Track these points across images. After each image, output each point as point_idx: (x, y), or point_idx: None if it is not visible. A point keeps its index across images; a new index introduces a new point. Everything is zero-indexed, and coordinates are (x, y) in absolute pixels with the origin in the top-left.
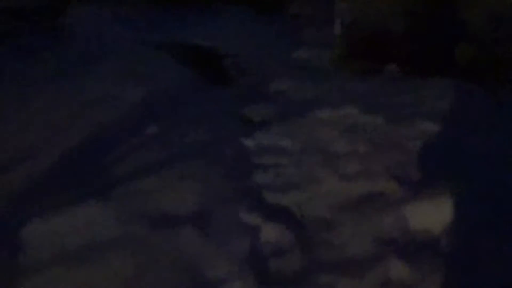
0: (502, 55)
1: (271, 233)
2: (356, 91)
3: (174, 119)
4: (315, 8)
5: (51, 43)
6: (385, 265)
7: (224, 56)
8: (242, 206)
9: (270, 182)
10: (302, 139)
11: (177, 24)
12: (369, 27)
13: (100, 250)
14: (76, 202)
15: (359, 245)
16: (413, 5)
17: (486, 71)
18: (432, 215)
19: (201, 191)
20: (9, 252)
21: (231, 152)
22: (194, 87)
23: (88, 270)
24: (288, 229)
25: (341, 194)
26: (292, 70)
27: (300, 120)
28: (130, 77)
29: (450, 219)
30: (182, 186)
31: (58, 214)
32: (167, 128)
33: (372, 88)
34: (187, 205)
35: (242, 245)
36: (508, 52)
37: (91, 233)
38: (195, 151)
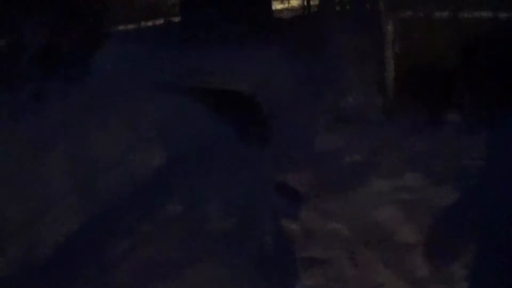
0: None
1: None
2: (416, 150)
3: (197, 191)
4: (363, 43)
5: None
6: None
7: (256, 103)
8: None
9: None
10: (356, 221)
11: (206, 64)
12: (427, 69)
13: None
14: None
15: None
16: (477, 44)
17: None
18: None
19: None
20: None
21: (268, 240)
22: (222, 144)
23: None
24: None
25: None
26: (338, 123)
27: (352, 194)
28: (149, 133)
29: None
30: None
31: None
32: (189, 206)
33: (435, 145)
34: None
35: None
36: None
37: None
38: (222, 242)
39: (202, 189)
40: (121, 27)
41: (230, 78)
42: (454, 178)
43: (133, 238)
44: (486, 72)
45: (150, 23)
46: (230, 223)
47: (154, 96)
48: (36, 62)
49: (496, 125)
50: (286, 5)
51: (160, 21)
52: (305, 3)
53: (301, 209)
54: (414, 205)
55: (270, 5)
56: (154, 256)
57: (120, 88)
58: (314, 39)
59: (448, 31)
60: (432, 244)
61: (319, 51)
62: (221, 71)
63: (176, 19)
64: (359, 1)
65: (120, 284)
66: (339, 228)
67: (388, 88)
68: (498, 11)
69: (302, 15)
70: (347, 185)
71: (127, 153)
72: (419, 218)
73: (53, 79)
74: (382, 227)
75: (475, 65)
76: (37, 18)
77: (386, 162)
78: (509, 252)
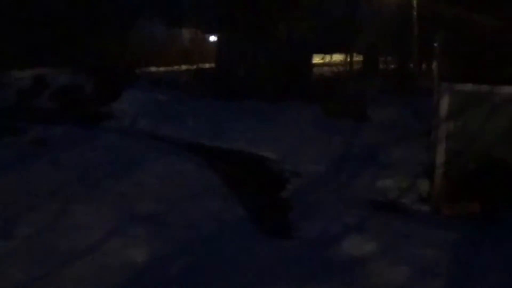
0: None
1: None
2: (474, 258)
3: None
4: (410, 115)
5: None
6: None
7: (280, 176)
8: None
9: None
10: None
11: (228, 123)
12: (481, 158)
13: None
14: None
15: None
16: None
17: None
18: None
19: None
20: None
21: None
22: (237, 235)
23: None
24: None
25: None
26: (375, 212)
27: None
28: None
29: None
30: None
31: None
32: None
33: (494, 253)
34: None
35: None
36: None
37: None
38: None
39: None
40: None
41: (257, 141)
42: None
43: None
44: None
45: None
46: None
47: (161, 163)
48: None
49: None
50: (327, 59)
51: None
52: (348, 59)
53: None
54: None
55: (310, 61)
56: None
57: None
58: (355, 104)
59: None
60: None
61: (359, 119)
62: (249, 133)
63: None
64: (404, 61)
65: None
66: None
67: (436, 174)
68: None
69: (344, 74)
70: None
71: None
72: None
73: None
74: None
75: None
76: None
77: (439, 272)
78: None
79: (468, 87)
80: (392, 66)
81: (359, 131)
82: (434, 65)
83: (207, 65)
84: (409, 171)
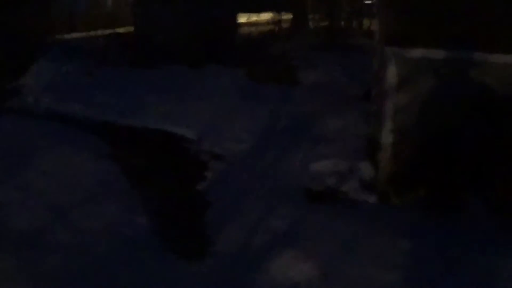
0: None
1: None
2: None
3: None
4: (344, 78)
5: None
6: None
7: (197, 161)
8: None
9: None
10: None
11: (144, 95)
12: (435, 136)
13: None
14: None
15: None
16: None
17: None
18: None
19: None
20: None
21: None
22: (134, 258)
23: None
24: None
25: None
26: (310, 207)
27: None
28: None
29: None
30: None
31: None
32: None
33: (459, 250)
34: None
35: None
36: None
37: None
38: None
39: None
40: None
41: (175, 116)
42: None
43: None
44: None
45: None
46: None
47: (53, 156)
48: None
49: None
50: (255, 18)
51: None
52: (277, 18)
53: None
54: None
55: (235, 21)
56: None
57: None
58: (285, 67)
59: (471, 76)
60: None
61: (289, 83)
62: (165, 105)
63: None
64: (334, 18)
65: None
66: None
67: (383, 157)
68: None
69: (272, 33)
70: None
71: None
72: None
73: None
74: None
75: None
76: None
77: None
78: None
79: (419, 52)
80: (322, 24)
81: (289, 98)
82: (373, 22)
83: (129, 30)
84: (348, 148)
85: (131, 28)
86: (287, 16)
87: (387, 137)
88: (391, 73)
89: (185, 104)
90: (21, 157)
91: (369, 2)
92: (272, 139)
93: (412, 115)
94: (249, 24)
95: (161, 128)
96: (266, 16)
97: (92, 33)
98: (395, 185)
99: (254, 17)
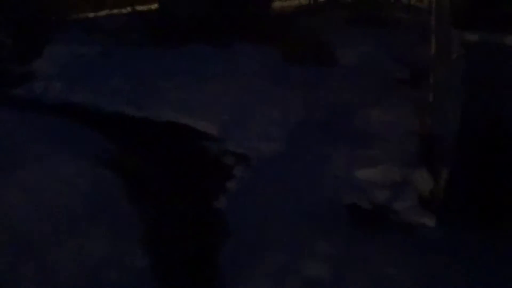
0: None
1: None
2: None
3: None
4: (386, 57)
5: None
6: None
7: (218, 166)
8: None
9: None
10: None
11: (161, 79)
12: None
13: None
14: None
15: None
16: None
17: None
18: None
19: None
20: None
21: None
22: None
23: None
24: None
25: None
26: (357, 232)
27: None
28: None
29: None
30: None
31: None
32: None
33: None
34: None
35: None
36: None
37: None
38: None
39: None
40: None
41: (194, 105)
42: None
43: None
44: None
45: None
46: None
47: (43, 166)
48: None
49: None
50: None
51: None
52: None
53: None
54: None
55: None
56: None
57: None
58: (320, 45)
59: None
60: None
61: (326, 64)
62: (184, 91)
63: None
64: None
65: None
66: None
67: (445, 162)
68: None
69: (306, 7)
70: None
71: None
72: None
73: None
74: None
75: None
76: None
77: None
78: None
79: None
80: None
81: (325, 82)
82: None
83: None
84: (398, 149)
85: (156, 5)
86: None
87: (453, 137)
88: (460, 61)
89: (207, 91)
90: (7, 167)
91: None
92: (306, 136)
93: (486, 110)
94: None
95: (177, 121)
96: None
97: (116, 10)
98: (463, 203)
99: None
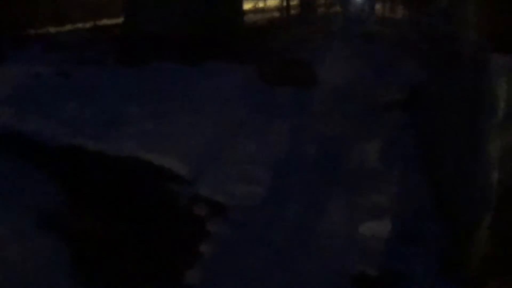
0: None
1: None
2: None
3: None
4: (371, 75)
5: None
6: None
7: (189, 220)
8: None
9: None
10: None
11: (125, 104)
12: None
13: None
14: None
15: None
16: None
17: None
18: None
19: None
20: None
21: None
22: None
23: None
24: None
25: None
26: None
27: None
28: None
29: None
30: None
31: None
32: None
33: None
34: None
35: None
36: None
37: None
38: None
39: None
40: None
41: (162, 136)
42: None
43: None
44: None
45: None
46: None
47: None
48: None
49: None
50: (261, 5)
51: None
52: (284, 4)
53: None
54: None
55: (240, 8)
56: None
57: None
58: (300, 62)
59: None
60: None
61: (306, 85)
62: (150, 119)
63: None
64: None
65: None
66: None
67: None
68: None
69: (280, 21)
70: None
71: None
72: None
73: None
74: None
75: None
76: None
77: None
78: None
79: None
80: (332, 10)
81: (311, 108)
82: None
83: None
84: (405, 192)
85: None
86: (294, 1)
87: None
88: (500, 93)
89: (176, 119)
90: None
91: None
92: (294, 177)
93: None
94: (254, 11)
95: (141, 156)
96: (273, 1)
97: (80, 25)
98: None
99: (260, 3)
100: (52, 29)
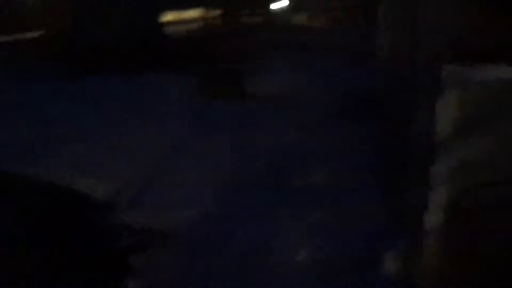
0: None
1: None
2: None
3: None
4: (313, 85)
5: None
6: None
7: (111, 249)
8: None
9: None
10: None
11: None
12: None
13: None
14: None
15: None
16: None
17: None
18: None
19: None
20: None
21: None
22: None
23: None
24: None
25: None
26: None
27: None
28: None
29: None
30: None
31: None
32: None
33: None
34: None
35: None
36: None
37: None
38: None
39: None
40: None
41: (92, 159)
42: None
43: None
44: None
45: None
46: None
47: None
48: None
49: None
50: (181, 16)
51: None
52: (209, 15)
53: None
54: None
55: (156, 19)
56: None
57: None
58: (236, 73)
59: None
60: None
61: (249, 98)
62: (77, 139)
63: None
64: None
65: None
66: None
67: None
68: None
69: (207, 31)
70: None
71: None
72: None
73: None
74: None
75: None
76: None
77: None
78: None
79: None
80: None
81: (257, 121)
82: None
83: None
84: (365, 211)
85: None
86: (216, 13)
87: (435, 215)
88: (451, 108)
89: (104, 138)
90: None
91: None
92: (238, 198)
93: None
94: (178, 22)
95: (64, 182)
96: (195, 13)
97: (24, 33)
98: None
99: (184, 15)
100: None
